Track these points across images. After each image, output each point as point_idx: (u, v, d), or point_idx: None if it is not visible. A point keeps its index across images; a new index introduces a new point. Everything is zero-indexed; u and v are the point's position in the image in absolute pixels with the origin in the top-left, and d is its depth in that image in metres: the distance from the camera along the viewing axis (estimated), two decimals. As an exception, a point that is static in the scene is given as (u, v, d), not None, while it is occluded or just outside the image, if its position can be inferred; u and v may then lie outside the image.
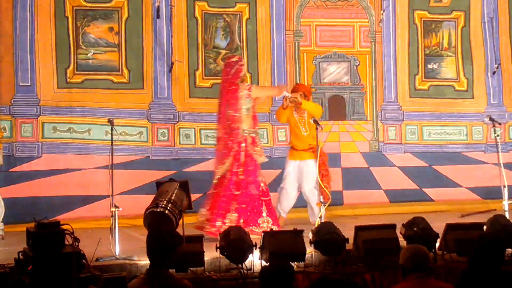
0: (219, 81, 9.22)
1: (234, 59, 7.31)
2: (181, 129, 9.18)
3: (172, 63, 9.04)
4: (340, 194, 9.24)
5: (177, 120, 9.15)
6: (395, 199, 9.42)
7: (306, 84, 8.95)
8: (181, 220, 5.81)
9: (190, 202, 6.17)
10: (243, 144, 7.06)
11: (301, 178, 7.61)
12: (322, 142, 9.11)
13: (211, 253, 5.75)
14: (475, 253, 4.46)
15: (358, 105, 9.84)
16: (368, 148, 9.75)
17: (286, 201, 7.68)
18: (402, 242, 5.95)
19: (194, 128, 9.18)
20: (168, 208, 5.82)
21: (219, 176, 7.07)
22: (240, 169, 7.01)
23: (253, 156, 7.08)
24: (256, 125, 7.23)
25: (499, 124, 7.63)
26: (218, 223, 6.81)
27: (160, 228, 5.27)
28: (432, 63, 9.99)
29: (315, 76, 9.73)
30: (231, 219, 6.81)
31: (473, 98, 10.09)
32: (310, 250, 5.89)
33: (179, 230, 5.54)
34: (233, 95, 7.07)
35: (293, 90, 7.85)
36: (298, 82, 9.41)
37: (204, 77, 9.32)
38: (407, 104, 9.91)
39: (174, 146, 9.15)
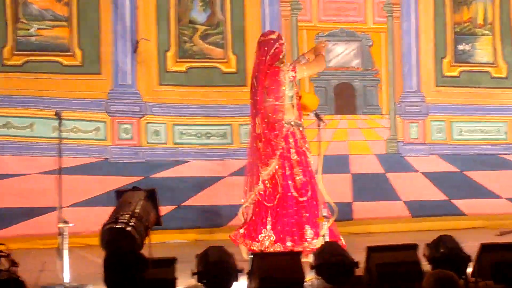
0: (195, 64, 9.26)
1: (273, 36, 7.23)
2: (148, 125, 9.18)
3: (137, 42, 9.02)
4: (349, 207, 9.27)
5: (144, 113, 9.16)
6: (418, 213, 9.43)
7: None
8: (147, 239, 5.76)
9: (159, 216, 6.13)
10: (291, 140, 7.10)
11: None
12: (326, 142, 9.20)
13: (185, 280, 5.71)
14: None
15: (372, 95, 9.86)
16: (385, 149, 9.77)
17: None
18: (426, 266, 5.94)
19: (165, 123, 9.19)
20: (131, 223, 5.78)
21: (266, 181, 7.09)
22: (297, 169, 7.07)
23: (307, 153, 7.12)
24: (301, 116, 7.25)
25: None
26: (289, 244, 6.91)
27: (120, 248, 5.22)
28: (463, 44, 10.03)
29: (317, 59, 9.73)
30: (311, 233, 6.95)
31: (514, 87, 10.14)
32: (310, 277, 5.87)
33: (144, 251, 5.49)
34: (273, 80, 7.07)
35: None
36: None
37: (177, 60, 9.34)
38: (433, 94, 9.95)
39: (140, 145, 9.16)
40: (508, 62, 10.12)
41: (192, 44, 9.37)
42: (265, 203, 7.08)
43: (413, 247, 6.04)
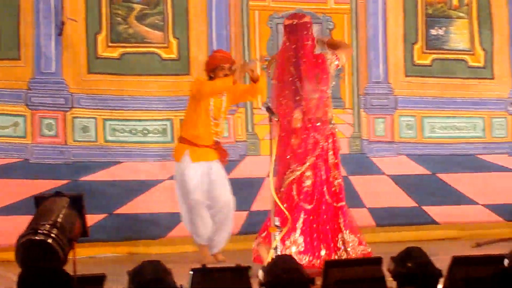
0: (130, 49, 9.22)
1: (307, 19, 7.47)
2: (75, 119, 9.15)
3: (63, 23, 8.97)
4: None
5: (70, 105, 9.12)
6: (384, 221, 9.55)
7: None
8: (71, 253, 5.72)
9: (86, 226, 6.09)
10: (330, 140, 7.34)
11: (212, 186, 7.92)
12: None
13: (116, 300, 5.70)
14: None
15: (333, 86, 9.86)
16: (347, 148, 9.82)
17: (204, 222, 7.94)
18: (391, 283, 5.99)
19: (95, 118, 9.15)
20: (52, 235, 5.74)
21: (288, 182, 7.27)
22: (335, 173, 7.34)
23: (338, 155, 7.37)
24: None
25: (528, 115, 7.78)
26: (323, 252, 7.16)
27: (39, 264, 5.18)
28: (436, 28, 10.15)
29: (271, 43, 9.77)
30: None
31: (492, 78, 10.30)
32: (259, 295, 5.89)
33: (68, 267, 5.46)
34: (323, 70, 7.28)
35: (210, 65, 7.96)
36: (246, 52, 9.43)
37: (109, 44, 9.33)
38: (402, 85, 10.06)
39: (66, 143, 9.11)
40: (486, 49, 10.26)
41: (126, 26, 9.35)
42: (302, 204, 7.26)
43: (377, 261, 6.09)
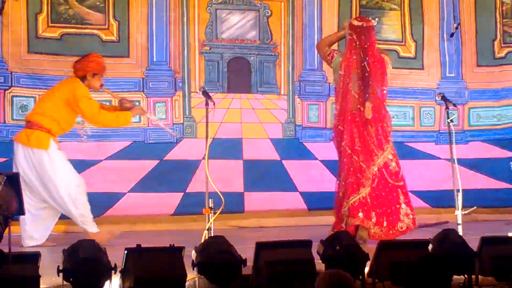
0: (70, 30, 9.12)
1: (371, 23, 8.12)
2: (15, 98, 9.06)
3: (3, 2, 8.88)
4: (240, 197, 9.36)
5: (9, 84, 9.01)
6: (316, 205, 9.57)
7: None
8: (6, 230, 5.66)
9: (21, 204, 6.03)
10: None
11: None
12: (218, 123, 9.23)
13: (50, 278, 5.64)
14: (415, 281, 4.57)
15: (269, 72, 9.94)
16: (281, 133, 9.87)
17: None
18: (320, 265, 6.04)
19: (35, 97, 9.03)
20: (-12, 213, 5.67)
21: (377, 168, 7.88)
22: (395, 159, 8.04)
23: None
24: None
25: (454, 105, 7.86)
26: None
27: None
28: (370, 18, 10.16)
29: (210, 29, 9.75)
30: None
31: (422, 68, 10.41)
32: (192, 276, 5.88)
33: (3, 244, 5.40)
34: (385, 70, 7.98)
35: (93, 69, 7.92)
36: (185, 36, 9.41)
37: (50, 24, 9.23)
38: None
39: (5, 122, 9.01)
40: (417, 41, 10.37)
41: (67, 6, 9.25)
42: (392, 182, 7.94)
43: (307, 243, 6.13)
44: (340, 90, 7.93)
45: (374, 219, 7.76)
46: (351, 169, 7.86)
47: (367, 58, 7.88)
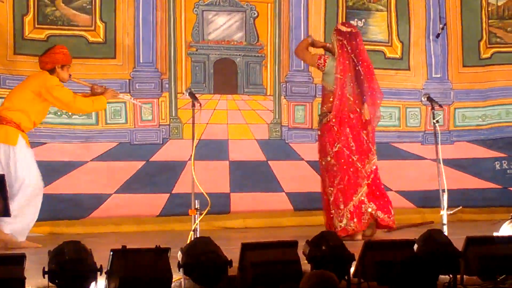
0: (57, 31, 9.11)
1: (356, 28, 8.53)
2: (0, 100, 8.95)
3: (-12, 4, 8.83)
4: (226, 198, 9.37)
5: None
6: (301, 206, 9.62)
7: None
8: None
9: (7, 205, 6.02)
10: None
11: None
12: (204, 124, 9.22)
13: (36, 280, 5.63)
14: (401, 281, 4.57)
15: (255, 73, 9.94)
16: (267, 134, 9.88)
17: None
18: (306, 265, 6.04)
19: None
20: (-27, 214, 5.65)
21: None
22: None
23: None
24: None
25: (440, 106, 7.89)
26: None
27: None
28: (355, 19, 10.21)
29: (196, 30, 9.75)
30: None
31: (408, 69, 10.43)
32: (178, 277, 5.88)
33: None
34: (373, 72, 8.36)
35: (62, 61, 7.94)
36: (172, 37, 9.41)
37: (36, 26, 9.20)
38: (321, 74, 10.01)
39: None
40: (403, 41, 10.39)
41: (54, 8, 9.23)
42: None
43: (293, 244, 6.13)
44: (337, 92, 8.09)
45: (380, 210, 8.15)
46: (351, 169, 8.06)
47: (360, 63, 8.14)
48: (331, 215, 8.07)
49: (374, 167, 8.20)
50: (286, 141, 9.91)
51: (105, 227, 8.76)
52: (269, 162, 9.68)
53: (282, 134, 9.91)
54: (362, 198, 8.06)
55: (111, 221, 8.90)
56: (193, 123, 7.09)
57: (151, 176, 9.28)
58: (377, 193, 8.21)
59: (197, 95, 7.43)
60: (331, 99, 8.13)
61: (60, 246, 5.83)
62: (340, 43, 8.14)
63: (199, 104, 7.18)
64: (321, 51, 8.42)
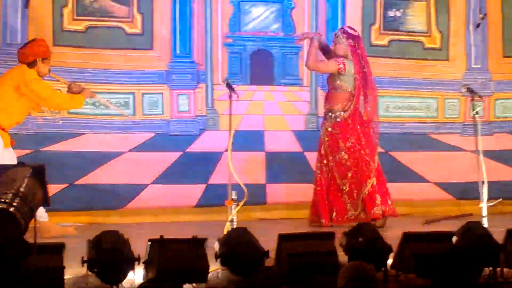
0: (95, 23, 9.18)
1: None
2: (39, 91, 9.06)
3: (29, -5, 8.91)
4: (261, 189, 9.38)
5: (34, 77, 9.02)
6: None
7: None
8: (32, 222, 5.72)
9: (47, 196, 6.08)
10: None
11: None
12: (240, 115, 9.25)
13: (74, 269, 5.70)
14: (439, 273, 4.57)
15: (292, 64, 9.94)
16: (303, 125, 9.87)
17: None
18: (342, 257, 6.05)
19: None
20: (14, 204, 5.71)
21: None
22: None
23: None
24: None
25: (480, 97, 7.85)
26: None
27: (0, 232, 5.18)
28: (394, 10, 10.17)
29: (233, 21, 9.77)
30: None
31: (448, 59, 10.33)
32: (215, 267, 5.92)
33: (28, 235, 5.46)
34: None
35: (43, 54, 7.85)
36: (208, 29, 9.43)
37: (75, 17, 9.26)
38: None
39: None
40: (443, 32, 10.30)
41: (92, -1, 9.29)
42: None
43: (330, 235, 6.16)
44: (359, 92, 8.39)
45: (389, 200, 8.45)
46: (362, 163, 8.36)
47: (365, 64, 8.50)
48: (318, 209, 8.39)
49: (377, 159, 8.54)
50: (323, 132, 9.89)
51: (142, 217, 8.80)
52: (305, 153, 9.66)
53: (318, 125, 9.87)
54: (371, 189, 8.31)
55: (148, 211, 8.94)
56: (230, 114, 7.12)
57: (187, 166, 9.31)
58: (381, 184, 8.49)
59: (234, 86, 7.47)
60: (346, 98, 8.40)
61: (99, 236, 5.91)
62: (352, 45, 8.44)
63: (236, 96, 7.21)
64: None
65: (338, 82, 8.43)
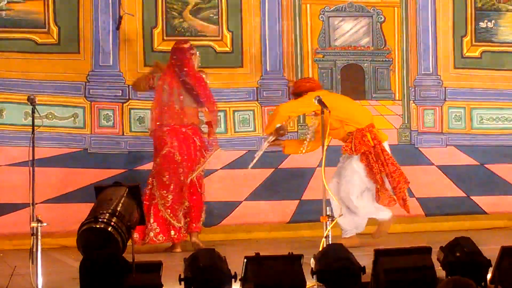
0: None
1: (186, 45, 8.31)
2: (132, 111, 9.23)
3: (120, 18, 9.06)
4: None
5: (127, 97, 9.20)
6: (433, 211, 9.53)
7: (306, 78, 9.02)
8: (129, 241, 5.80)
9: (143, 215, 6.17)
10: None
11: None
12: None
13: (172, 286, 5.76)
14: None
15: (383, 78, 9.90)
16: (396, 139, 9.80)
17: None
18: (440, 272, 5.98)
19: (150, 109, 9.16)
20: (112, 223, 5.81)
21: None
22: None
23: None
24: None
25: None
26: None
27: (99, 251, 5.26)
28: (485, 20, 10.05)
29: (322, 36, 9.77)
30: None
31: (542, 69, 10.16)
32: (311, 283, 5.91)
33: (126, 254, 5.54)
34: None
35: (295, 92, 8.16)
36: (298, 45, 9.45)
37: (165, 38, 9.37)
38: (451, 77, 9.99)
39: (123, 134, 9.18)
40: (535, 42, 10.15)
41: (181, 19, 9.39)
42: None
43: (427, 250, 6.08)
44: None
45: None
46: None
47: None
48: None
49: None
50: (416, 146, 9.81)
51: (236, 234, 8.86)
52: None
53: (412, 139, 9.82)
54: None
55: (242, 228, 8.99)
56: (323, 130, 7.10)
57: (280, 182, 9.34)
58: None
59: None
60: None
61: (195, 253, 5.95)
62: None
63: (328, 111, 7.20)
64: None
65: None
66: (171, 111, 8.07)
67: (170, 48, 8.36)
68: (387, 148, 8.02)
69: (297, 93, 8.10)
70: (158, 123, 8.09)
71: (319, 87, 8.20)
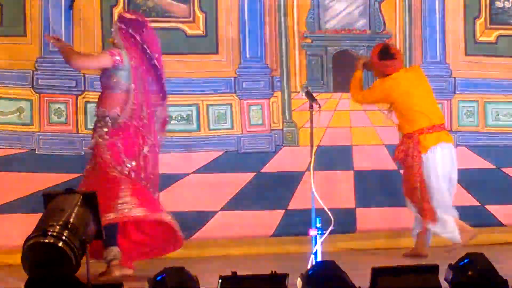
0: (152, 24, 9.15)
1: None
2: (88, 104, 9.24)
3: (74, -5, 9.06)
4: (351, 214, 9.39)
5: (82, 88, 9.19)
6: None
7: None
8: (84, 257, 5.79)
9: (100, 227, 6.15)
10: None
11: None
12: (323, 128, 9.25)
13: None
14: None
15: (382, 67, 9.91)
16: (398, 137, 9.79)
17: None
18: (449, 293, 6.01)
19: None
20: (64, 237, 5.80)
21: None
22: None
23: None
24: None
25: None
26: None
27: (49, 270, 5.24)
28: (502, 0, 10.07)
29: (311, 18, 9.81)
30: None
31: None
32: (297, 306, 5.92)
33: (80, 274, 5.52)
34: None
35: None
36: (282, 29, 9.48)
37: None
38: (462, 66, 10.04)
39: (77, 132, 9.22)
40: (560, 24, 10.22)
41: (146, -2, 9.40)
42: None
43: (433, 268, 6.09)
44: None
45: None
46: None
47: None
48: None
49: None
50: (421, 146, 9.85)
51: (211, 249, 8.88)
52: (400, 171, 9.62)
53: (415, 138, 9.86)
54: None
55: (218, 243, 9.00)
56: (311, 127, 7.12)
57: (262, 189, 9.36)
58: None
59: (314, 95, 7.46)
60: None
61: (161, 273, 5.94)
62: (123, 29, 7.82)
63: (317, 105, 7.21)
64: None
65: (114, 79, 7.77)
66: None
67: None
68: None
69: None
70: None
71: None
